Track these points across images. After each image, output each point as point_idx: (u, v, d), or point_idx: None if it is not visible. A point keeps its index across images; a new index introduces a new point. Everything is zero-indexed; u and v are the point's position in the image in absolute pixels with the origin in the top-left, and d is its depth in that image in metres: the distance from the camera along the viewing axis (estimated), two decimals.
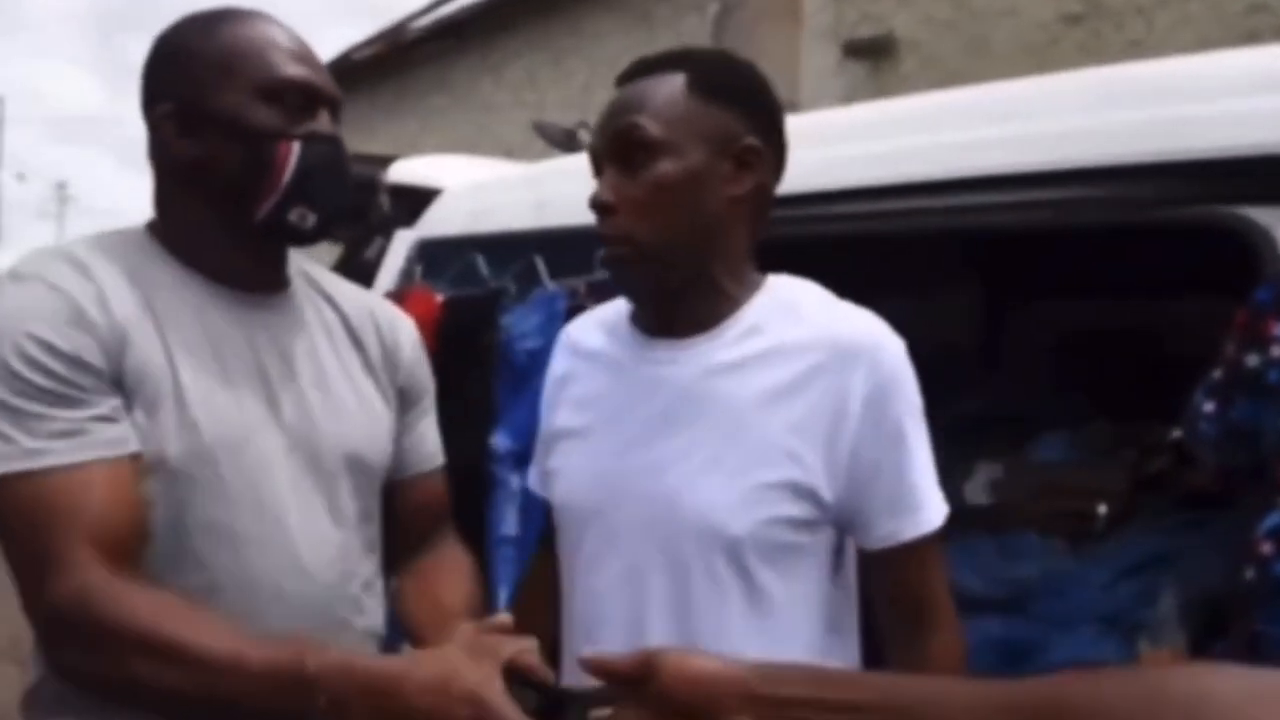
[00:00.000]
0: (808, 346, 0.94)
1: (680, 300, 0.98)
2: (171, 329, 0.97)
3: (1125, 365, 1.76)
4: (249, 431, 0.98)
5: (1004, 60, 4.47)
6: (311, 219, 1.01)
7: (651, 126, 0.94)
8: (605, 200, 0.96)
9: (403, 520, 1.17)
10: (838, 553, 0.98)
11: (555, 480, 1.07)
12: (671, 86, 0.96)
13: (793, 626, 0.94)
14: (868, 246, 1.51)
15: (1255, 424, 1.05)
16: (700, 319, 0.98)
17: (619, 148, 0.96)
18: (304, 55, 1.02)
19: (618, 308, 1.09)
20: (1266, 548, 1.00)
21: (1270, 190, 1.14)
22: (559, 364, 1.14)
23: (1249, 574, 1.02)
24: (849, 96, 4.74)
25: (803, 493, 0.92)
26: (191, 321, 0.99)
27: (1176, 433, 1.14)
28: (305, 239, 1.03)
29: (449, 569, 1.15)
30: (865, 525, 0.94)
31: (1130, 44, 4.16)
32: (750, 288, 0.99)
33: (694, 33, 5.77)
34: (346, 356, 1.10)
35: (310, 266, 1.16)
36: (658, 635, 0.93)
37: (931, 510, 0.95)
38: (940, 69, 4.67)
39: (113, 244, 1.01)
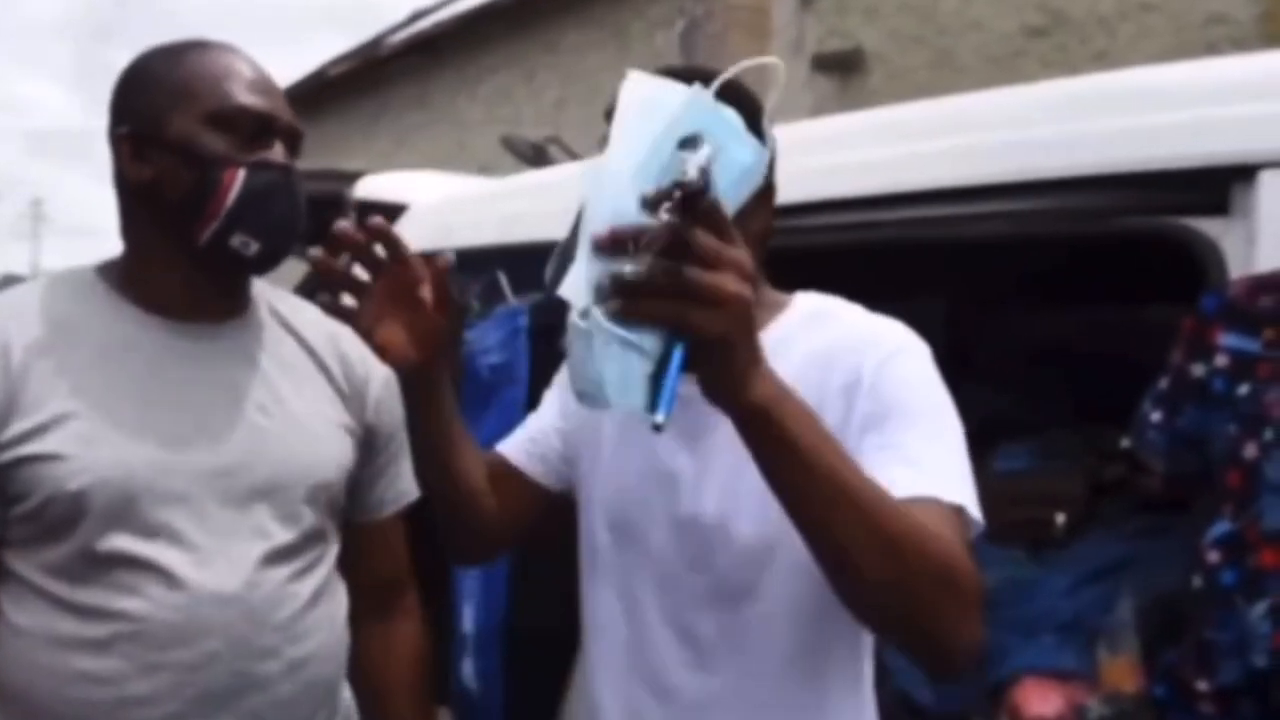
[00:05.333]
0: (820, 355, 0.91)
1: None
2: (90, 370, 0.98)
3: (1085, 372, 1.77)
4: (165, 462, 0.98)
5: (970, 73, 4.52)
6: (254, 246, 1.01)
7: None
8: None
9: (363, 564, 1.17)
10: None
11: (579, 491, 1.06)
12: None
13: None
14: (827, 258, 1.51)
15: (1202, 432, 1.06)
16: None
17: None
18: (262, 86, 1.03)
19: None
20: (1214, 556, 1.01)
21: (1215, 202, 1.15)
22: None
23: (1197, 582, 1.03)
24: (817, 110, 4.78)
25: None
26: (118, 358, 1.00)
27: (1126, 441, 1.15)
28: (248, 267, 1.04)
29: (400, 648, 1.22)
30: None
31: (1094, 56, 4.22)
32: (772, 308, 0.97)
33: (668, 49, 5.80)
34: (303, 384, 1.10)
35: (279, 296, 1.16)
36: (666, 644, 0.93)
37: (950, 485, 0.80)
38: (907, 82, 4.72)
39: (50, 289, 1.04)
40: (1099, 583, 1.48)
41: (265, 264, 1.04)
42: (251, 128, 1.01)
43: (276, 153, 1.02)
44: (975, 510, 0.83)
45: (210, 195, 0.99)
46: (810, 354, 0.92)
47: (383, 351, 0.90)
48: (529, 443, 1.09)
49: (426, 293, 0.89)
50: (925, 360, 0.91)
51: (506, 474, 1.06)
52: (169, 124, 1.00)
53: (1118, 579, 1.46)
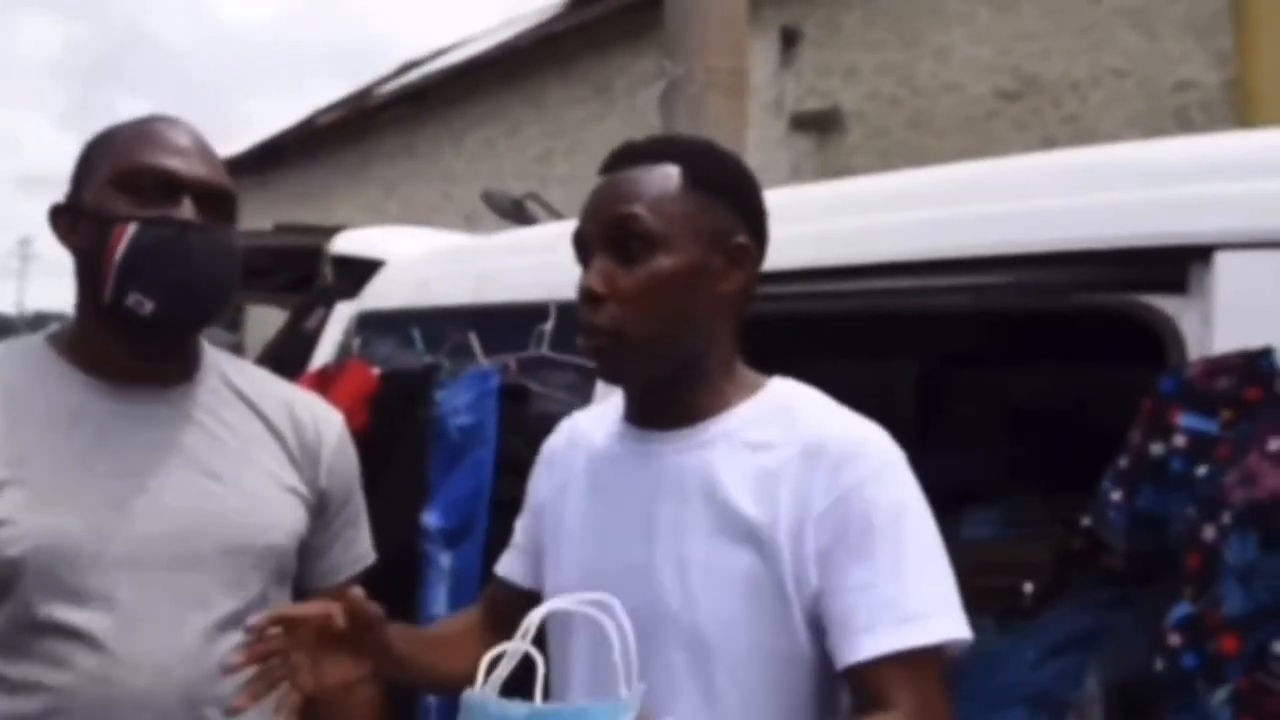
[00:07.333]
0: (786, 447, 0.90)
1: (666, 393, 0.95)
2: (35, 437, 0.98)
3: (1051, 442, 1.78)
4: (106, 528, 0.97)
5: (945, 133, 4.60)
6: (149, 305, 0.99)
7: (650, 218, 0.91)
8: (596, 290, 0.92)
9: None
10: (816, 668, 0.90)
11: (547, 577, 1.04)
12: (668, 178, 0.94)
13: None
14: (798, 325, 1.52)
15: (1162, 512, 1.06)
16: (686, 413, 0.95)
17: (613, 237, 0.93)
18: (176, 148, 1.03)
19: (618, 400, 1.05)
20: (1175, 639, 1.00)
21: (1173, 280, 1.17)
22: (555, 443, 1.11)
23: (1159, 665, 1.02)
24: (796, 167, 4.85)
25: (765, 591, 0.88)
26: (63, 424, 1.00)
27: (1086, 520, 1.15)
28: (148, 326, 1.00)
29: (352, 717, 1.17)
30: (838, 640, 0.86)
31: (1065, 119, 4.31)
32: (745, 388, 0.96)
33: (649, 106, 5.88)
34: (253, 449, 1.09)
35: (233, 364, 1.15)
36: None
37: (920, 626, 0.84)
38: (885, 141, 4.80)
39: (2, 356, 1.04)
40: (1067, 655, 1.47)
41: (165, 323, 1.01)
42: (152, 185, 1.00)
43: (183, 210, 1.00)
44: (959, 629, 0.85)
45: (101, 253, 0.99)
46: (777, 443, 0.91)
47: (336, 689, 0.91)
48: (519, 554, 1.11)
49: (342, 620, 0.88)
50: (900, 476, 0.90)
51: (509, 595, 1.10)
52: (86, 192, 1.02)
53: (1087, 651, 1.45)
